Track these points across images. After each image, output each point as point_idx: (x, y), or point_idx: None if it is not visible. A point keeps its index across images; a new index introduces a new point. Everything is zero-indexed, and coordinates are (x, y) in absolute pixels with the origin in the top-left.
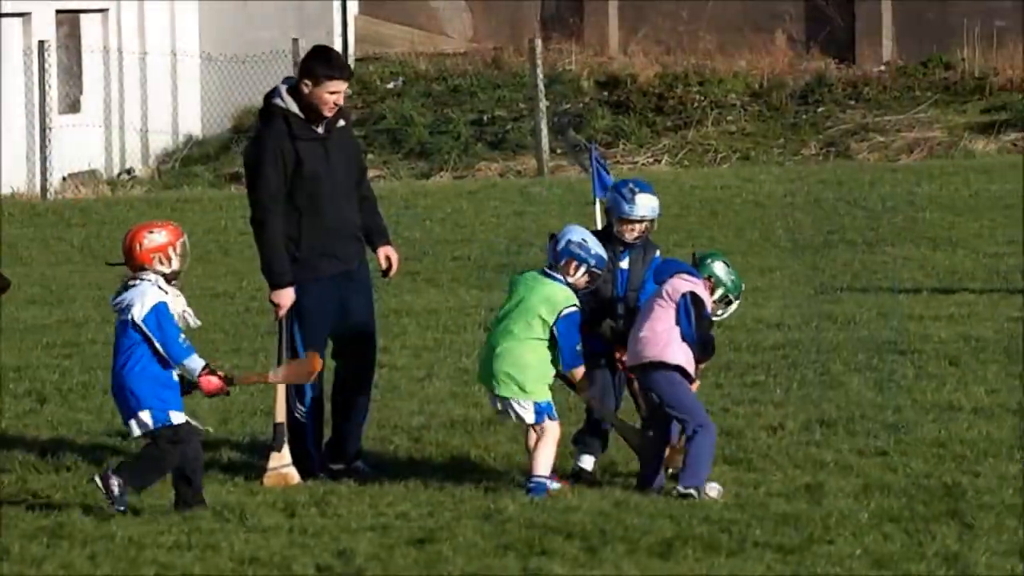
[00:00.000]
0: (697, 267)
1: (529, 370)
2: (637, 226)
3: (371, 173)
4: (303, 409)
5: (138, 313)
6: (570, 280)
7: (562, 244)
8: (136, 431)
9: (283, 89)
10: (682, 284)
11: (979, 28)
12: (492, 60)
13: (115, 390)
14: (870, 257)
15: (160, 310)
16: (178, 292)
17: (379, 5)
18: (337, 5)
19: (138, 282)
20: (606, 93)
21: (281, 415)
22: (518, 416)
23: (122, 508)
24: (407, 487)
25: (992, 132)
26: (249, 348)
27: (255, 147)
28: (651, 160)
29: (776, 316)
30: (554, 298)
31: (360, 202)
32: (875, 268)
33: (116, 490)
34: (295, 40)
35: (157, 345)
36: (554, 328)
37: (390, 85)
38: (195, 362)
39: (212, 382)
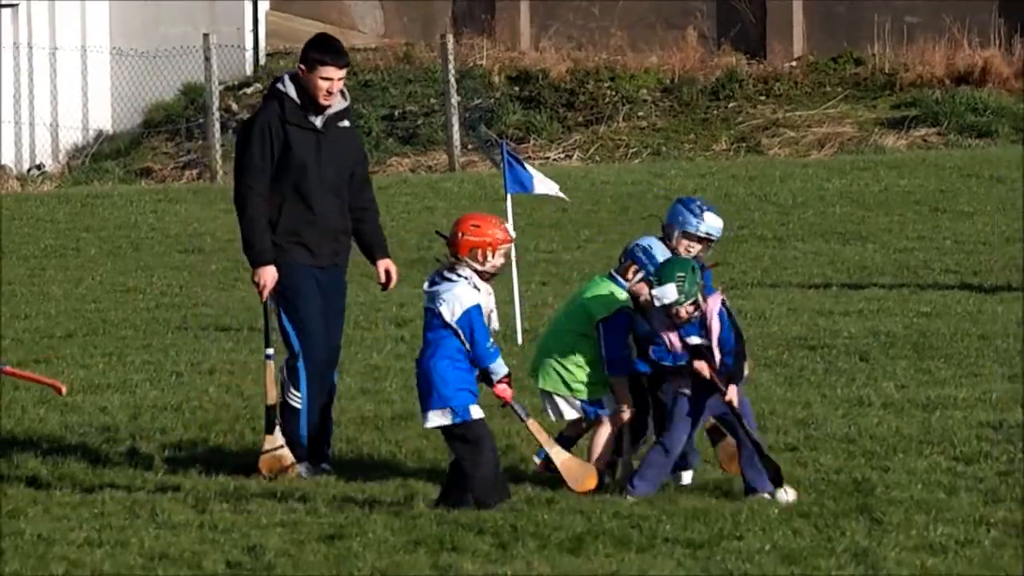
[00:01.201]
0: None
1: (573, 366)
2: (696, 245)
3: None
4: (297, 395)
5: (449, 315)
6: (628, 284)
7: (629, 247)
8: (432, 423)
9: (287, 76)
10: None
11: (889, 24)
12: (403, 55)
13: (419, 379)
14: (780, 252)
15: (473, 315)
16: (490, 290)
17: (290, 1)
18: (248, 1)
19: (455, 279)
20: (517, 88)
21: (272, 398)
22: (557, 411)
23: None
24: (317, 483)
25: (902, 128)
26: (159, 344)
27: (247, 126)
28: (562, 155)
29: None
30: (603, 297)
31: (361, 213)
32: (785, 263)
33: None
34: (206, 35)
35: (466, 345)
36: (599, 328)
37: None
38: (501, 367)
39: (506, 392)
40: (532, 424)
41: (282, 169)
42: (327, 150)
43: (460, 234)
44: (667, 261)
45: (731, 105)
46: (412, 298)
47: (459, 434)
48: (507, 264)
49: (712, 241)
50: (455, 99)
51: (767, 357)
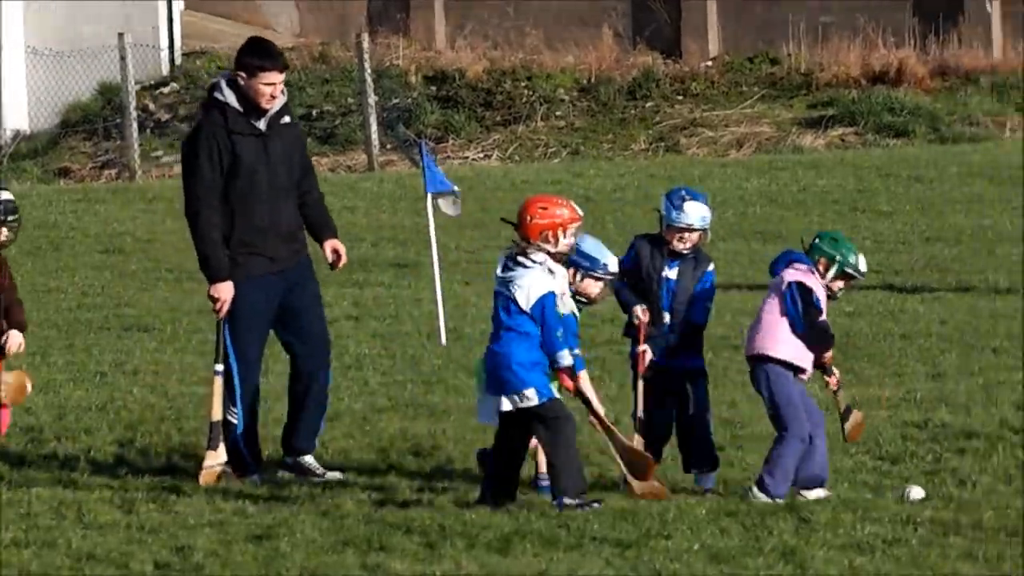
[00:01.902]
0: (809, 251)
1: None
2: (685, 235)
3: None
4: (235, 410)
5: (524, 301)
6: (574, 288)
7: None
8: (506, 406)
9: (223, 82)
10: (789, 274)
11: (804, 24)
12: (319, 55)
13: (493, 364)
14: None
15: (547, 302)
16: (564, 272)
17: (205, 1)
18: (163, 1)
19: (529, 264)
20: (434, 88)
21: (217, 414)
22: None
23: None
24: (244, 483)
25: (819, 127)
26: (82, 344)
27: (191, 139)
28: (481, 155)
29: (609, 311)
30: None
31: (303, 197)
32: None
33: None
34: (121, 35)
35: (538, 331)
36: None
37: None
38: (565, 358)
39: (566, 381)
40: (597, 413)
41: (231, 179)
42: (274, 151)
43: (528, 218)
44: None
45: (648, 105)
46: (338, 299)
47: (541, 415)
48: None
49: (701, 231)
50: (372, 99)
51: None
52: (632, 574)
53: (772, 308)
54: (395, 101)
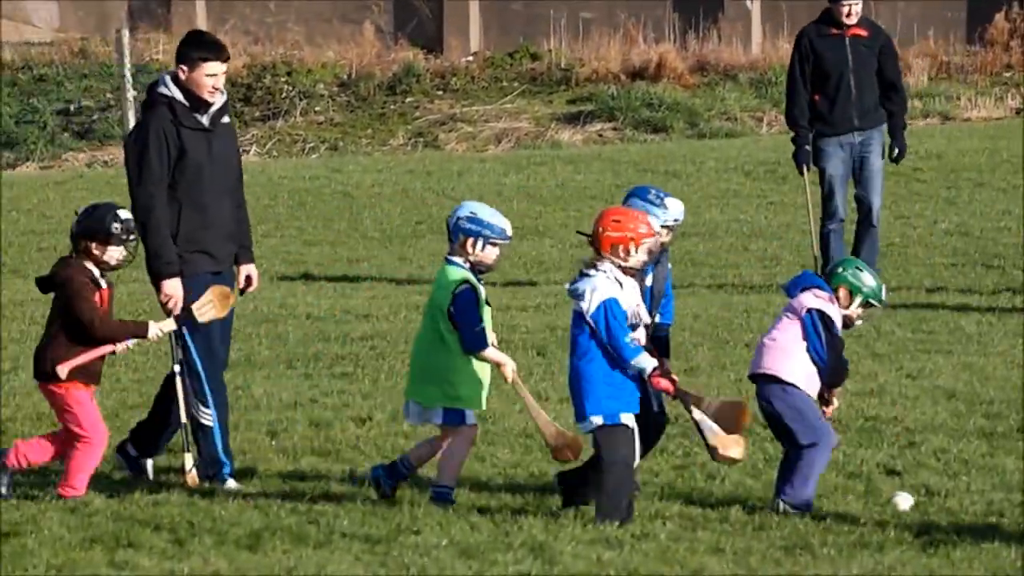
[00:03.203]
0: (828, 278)
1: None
2: (664, 233)
3: None
4: (208, 412)
5: (586, 307)
6: (473, 259)
7: (452, 223)
8: (587, 428)
9: (167, 77)
10: (808, 299)
11: (565, 20)
12: (79, 50)
13: (570, 383)
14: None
15: (609, 307)
16: (635, 285)
17: None
18: None
19: (592, 272)
20: None
21: (184, 415)
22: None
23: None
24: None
25: (578, 122)
26: None
27: (138, 133)
28: (240, 150)
29: (364, 307)
30: (446, 284)
31: (236, 207)
32: None
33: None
34: None
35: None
36: (450, 310)
37: None
38: (645, 362)
39: (662, 383)
40: (696, 414)
41: (179, 174)
42: (217, 148)
43: (601, 230)
44: (843, 264)
45: (408, 100)
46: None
47: (599, 438)
48: (653, 258)
49: (676, 227)
50: (131, 94)
51: None
52: (382, 570)
53: (787, 330)
54: None
